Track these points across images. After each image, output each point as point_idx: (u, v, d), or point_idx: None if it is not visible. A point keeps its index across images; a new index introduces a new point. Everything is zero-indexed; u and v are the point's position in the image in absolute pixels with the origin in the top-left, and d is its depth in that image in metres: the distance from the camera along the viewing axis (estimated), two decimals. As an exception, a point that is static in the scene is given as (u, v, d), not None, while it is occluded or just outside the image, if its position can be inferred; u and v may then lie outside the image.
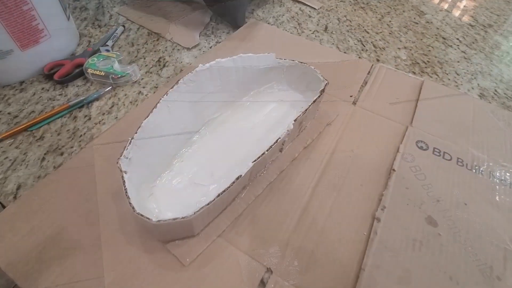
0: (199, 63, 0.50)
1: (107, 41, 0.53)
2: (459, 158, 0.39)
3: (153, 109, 0.32)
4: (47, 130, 0.40)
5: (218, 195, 0.27)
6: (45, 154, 0.37)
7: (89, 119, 0.42)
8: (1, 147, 0.38)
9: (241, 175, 0.29)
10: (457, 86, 0.53)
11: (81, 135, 0.39)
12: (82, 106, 0.43)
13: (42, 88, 0.45)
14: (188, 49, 0.54)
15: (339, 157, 0.39)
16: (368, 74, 0.52)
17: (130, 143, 0.30)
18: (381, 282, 0.29)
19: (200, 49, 0.54)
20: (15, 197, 0.33)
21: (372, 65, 0.53)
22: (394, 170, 0.37)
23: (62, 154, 0.37)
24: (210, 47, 0.55)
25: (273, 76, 0.44)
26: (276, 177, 0.36)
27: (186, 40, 0.55)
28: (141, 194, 0.31)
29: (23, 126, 0.39)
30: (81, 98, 0.43)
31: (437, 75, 0.55)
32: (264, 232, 0.31)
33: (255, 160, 0.30)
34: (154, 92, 0.46)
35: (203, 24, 0.59)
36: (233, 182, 0.28)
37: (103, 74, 0.45)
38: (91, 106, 0.43)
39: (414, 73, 0.54)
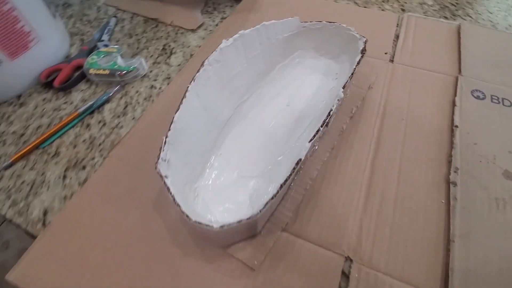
0: (208, 45, 0.45)
1: (102, 36, 0.48)
2: (523, 102, 0.35)
3: (182, 99, 0.27)
4: (61, 144, 0.35)
5: (281, 186, 0.23)
6: (65, 171, 0.33)
7: (104, 124, 0.37)
8: (14, 171, 0.33)
9: (301, 159, 0.25)
10: (493, 25, 0.47)
11: (100, 144, 0.35)
12: (93, 112, 0.38)
13: (44, 99, 0.41)
14: (192, 30, 0.48)
15: (391, 122, 0.34)
16: (397, 26, 0.46)
17: (165, 143, 0.26)
18: (474, 250, 0.26)
19: (206, 29, 0.49)
20: (44, 224, 0.29)
21: (399, 16, 0.48)
22: (456, 126, 0.33)
23: (84, 168, 0.33)
24: (216, 25, 0.49)
25: (299, 43, 0.39)
26: (329, 156, 0.32)
27: (188, 21, 0.49)
28: (186, 197, 0.27)
29: (33, 144, 0.35)
30: (90, 103, 0.38)
31: (471, 17, 0.49)
32: (332, 218, 0.28)
33: (311, 139, 0.26)
34: (168, 84, 0.41)
35: (202, 0, 0.53)
36: (294, 168, 0.24)
37: (108, 72, 0.40)
38: (102, 110, 0.39)
39: (446, 18, 0.49)
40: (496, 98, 0.36)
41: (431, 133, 0.33)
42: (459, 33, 0.44)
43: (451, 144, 0.32)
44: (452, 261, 0.25)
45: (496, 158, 0.31)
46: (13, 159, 0.34)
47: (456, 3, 0.51)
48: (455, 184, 0.29)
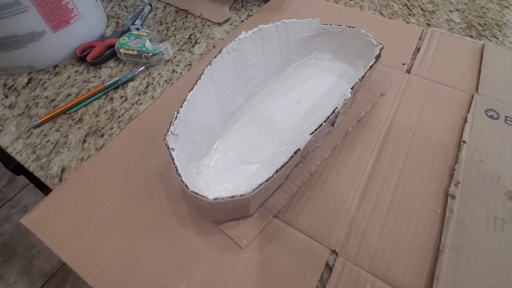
0: (231, 39, 0.47)
1: (135, 21, 0.51)
2: (540, 127, 0.34)
3: (197, 80, 0.29)
4: (85, 112, 0.39)
5: (277, 171, 0.25)
6: (85, 136, 0.36)
7: (126, 99, 0.40)
8: (42, 130, 0.37)
9: (299, 148, 0.26)
10: (521, 49, 0.46)
11: (119, 116, 0.38)
12: (117, 87, 0.41)
13: (76, 71, 0.44)
14: (218, 24, 0.51)
15: (398, 130, 0.35)
16: (419, 39, 0.46)
17: (176, 118, 0.28)
18: (464, 263, 0.25)
19: (231, 24, 0.51)
20: (60, 180, 0.32)
21: (423, 30, 0.48)
22: (464, 142, 0.33)
23: (102, 135, 0.36)
24: (242, 21, 0.51)
25: (317, 45, 0.40)
26: (330, 153, 0.33)
27: (216, 15, 0.52)
28: (189, 172, 0.29)
29: (62, 109, 0.38)
30: (116, 79, 0.42)
31: (497, 38, 0.48)
32: (324, 212, 0.29)
33: (313, 132, 0.27)
34: (188, 70, 0.43)
35: (232, -3, 0.55)
36: (292, 156, 0.26)
37: (136, 53, 0.43)
38: (126, 86, 0.42)
39: (471, 36, 0.48)
40: (511, 119, 0.35)
41: (438, 145, 0.33)
42: (482, 53, 0.43)
43: (456, 158, 0.32)
44: (438, 270, 0.25)
45: (501, 178, 0.30)
46: (42, 119, 0.37)
47: (484, 24, 0.51)
48: (453, 197, 0.29)
